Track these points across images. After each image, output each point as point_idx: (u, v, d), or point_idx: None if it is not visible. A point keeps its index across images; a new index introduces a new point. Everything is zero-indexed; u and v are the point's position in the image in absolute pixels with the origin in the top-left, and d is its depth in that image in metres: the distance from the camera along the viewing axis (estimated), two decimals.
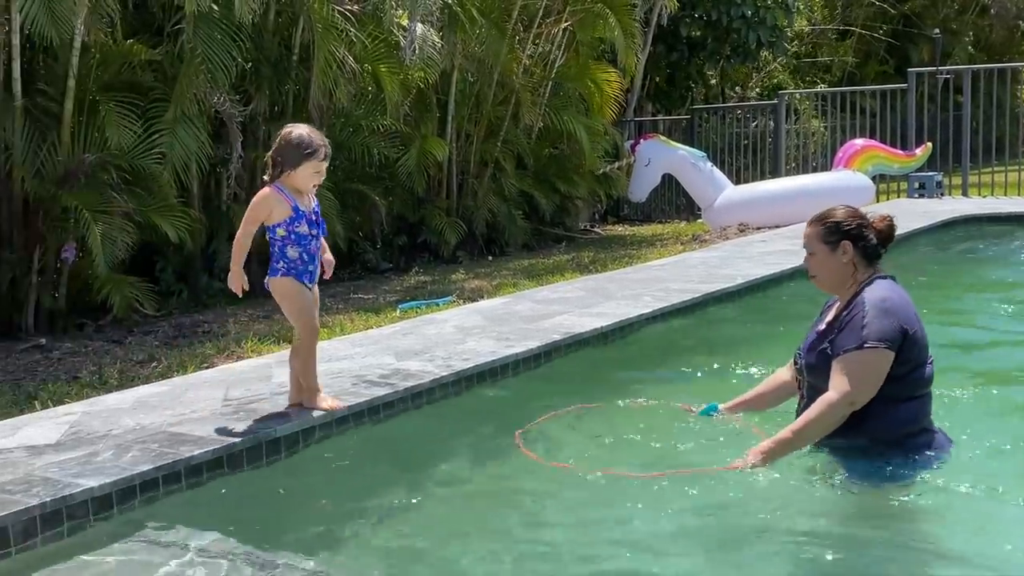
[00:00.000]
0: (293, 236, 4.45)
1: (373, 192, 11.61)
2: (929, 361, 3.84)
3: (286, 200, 4.41)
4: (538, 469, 4.08)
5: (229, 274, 4.48)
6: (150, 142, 8.89)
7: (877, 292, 3.82)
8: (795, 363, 4.14)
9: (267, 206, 4.39)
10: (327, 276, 4.68)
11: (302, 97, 10.32)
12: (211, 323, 8.31)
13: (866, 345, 3.69)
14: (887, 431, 3.79)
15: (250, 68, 10.25)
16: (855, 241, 3.92)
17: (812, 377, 3.93)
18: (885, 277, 3.94)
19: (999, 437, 4.26)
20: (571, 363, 5.99)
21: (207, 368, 6.10)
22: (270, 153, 4.46)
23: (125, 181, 8.77)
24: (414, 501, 3.94)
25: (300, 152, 4.36)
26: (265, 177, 4.50)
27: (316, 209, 4.55)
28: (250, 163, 10.25)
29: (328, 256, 4.69)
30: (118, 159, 8.62)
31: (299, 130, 4.41)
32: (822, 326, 4.00)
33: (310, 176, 4.43)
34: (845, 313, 3.85)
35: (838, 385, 3.72)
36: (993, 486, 3.67)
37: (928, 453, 3.83)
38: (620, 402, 4.90)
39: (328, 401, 4.59)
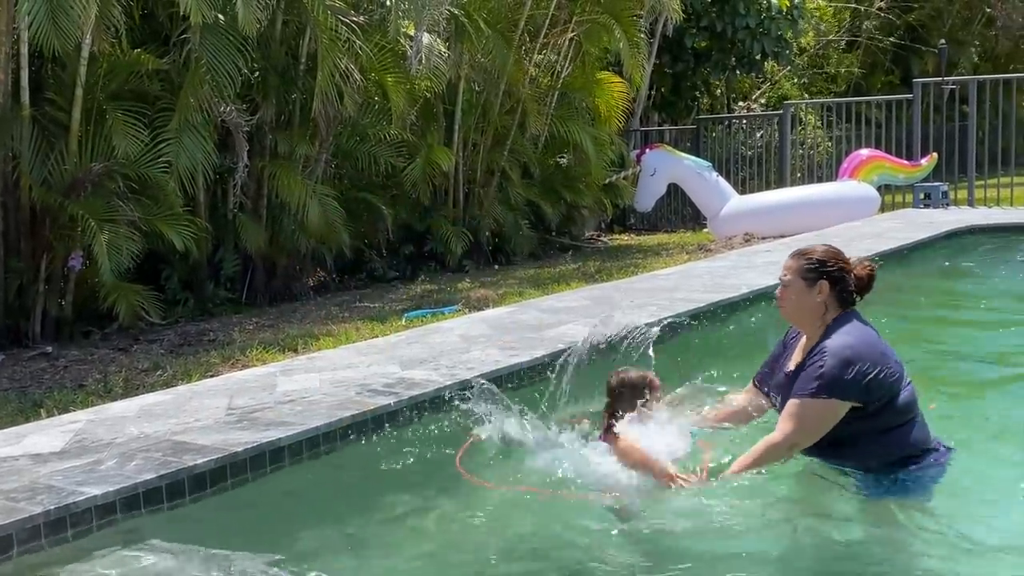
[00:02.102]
0: None
1: (379, 201, 11.63)
2: (905, 386, 3.78)
3: None
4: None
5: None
6: (156, 151, 8.91)
7: (841, 338, 3.76)
8: (773, 404, 4.11)
9: None
10: None
11: (309, 106, 10.35)
12: (216, 332, 8.33)
13: (817, 395, 3.68)
14: (881, 457, 3.78)
15: (257, 77, 10.28)
16: (834, 283, 3.87)
17: None
18: (851, 315, 3.89)
19: (997, 444, 4.26)
20: (576, 372, 5.99)
21: (212, 377, 6.12)
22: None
23: (131, 190, 8.79)
24: (420, 511, 3.94)
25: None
26: None
27: None
28: (256, 172, 10.28)
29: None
30: (125, 168, 8.64)
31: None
32: (791, 366, 3.99)
33: None
34: (810, 357, 3.82)
35: (783, 427, 3.73)
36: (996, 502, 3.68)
37: (928, 471, 3.80)
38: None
39: None
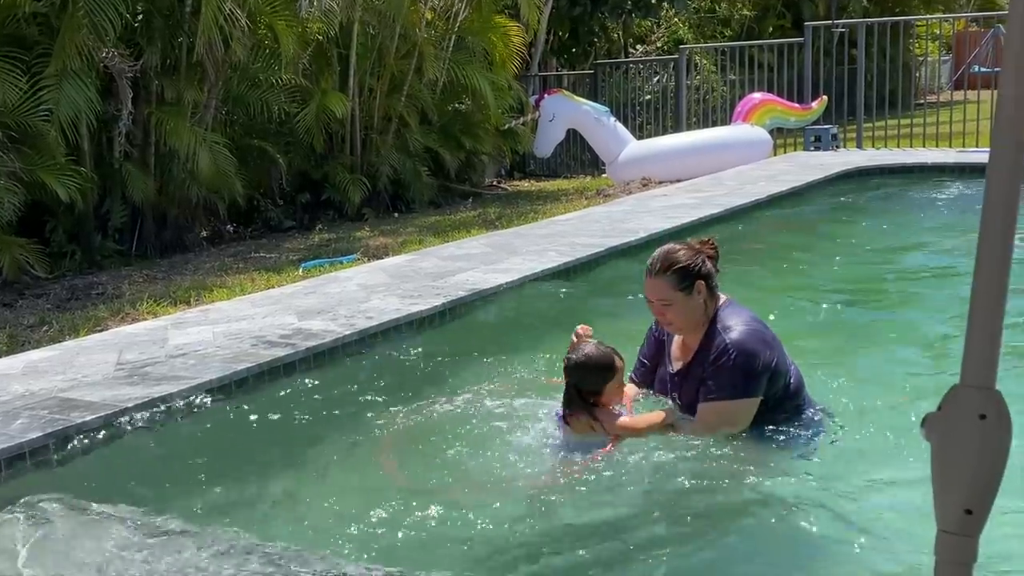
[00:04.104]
0: None
1: (273, 148, 11.38)
2: (792, 369, 3.80)
3: None
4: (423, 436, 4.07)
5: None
6: (36, 98, 8.56)
7: (736, 333, 3.67)
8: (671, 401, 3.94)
9: None
10: None
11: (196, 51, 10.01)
12: (105, 285, 8.09)
13: (736, 397, 3.64)
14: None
15: (140, 20, 9.90)
16: (705, 278, 3.76)
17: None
18: (729, 303, 3.82)
19: (868, 386, 4.39)
20: (475, 320, 5.99)
21: (100, 331, 5.94)
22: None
23: (12, 139, 8.45)
24: (311, 464, 3.91)
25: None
26: None
27: None
28: (143, 119, 9.94)
29: None
30: (4, 116, 8.29)
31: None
32: (676, 365, 3.89)
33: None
34: (707, 354, 3.71)
35: (706, 427, 3.67)
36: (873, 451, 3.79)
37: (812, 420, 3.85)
38: None
39: None
